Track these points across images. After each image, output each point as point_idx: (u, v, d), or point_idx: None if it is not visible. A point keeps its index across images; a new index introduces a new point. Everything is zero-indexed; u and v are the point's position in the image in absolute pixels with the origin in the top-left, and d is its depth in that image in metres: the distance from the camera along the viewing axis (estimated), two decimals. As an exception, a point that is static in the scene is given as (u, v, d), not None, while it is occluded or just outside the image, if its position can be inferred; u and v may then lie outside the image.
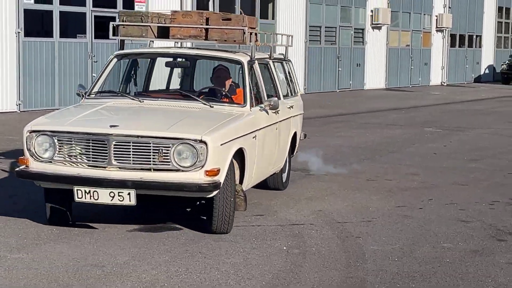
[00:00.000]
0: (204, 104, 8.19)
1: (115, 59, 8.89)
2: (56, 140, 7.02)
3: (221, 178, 6.97)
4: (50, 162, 7.04)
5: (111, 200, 6.87)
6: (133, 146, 6.93)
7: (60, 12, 20.17)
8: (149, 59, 9.87)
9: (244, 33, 8.44)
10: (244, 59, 8.65)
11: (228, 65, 9.41)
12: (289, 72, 10.40)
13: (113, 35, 8.95)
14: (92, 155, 7.00)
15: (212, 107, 8.16)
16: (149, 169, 6.96)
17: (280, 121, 9.22)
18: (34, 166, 7.03)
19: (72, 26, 20.80)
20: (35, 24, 19.92)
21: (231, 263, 6.59)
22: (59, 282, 5.97)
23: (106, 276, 6.14)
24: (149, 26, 8.70)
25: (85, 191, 6.83)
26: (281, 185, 9.86)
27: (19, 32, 19.19)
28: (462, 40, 39.91)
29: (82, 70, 20.57)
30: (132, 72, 9.37)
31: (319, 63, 29.49)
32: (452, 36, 38.96)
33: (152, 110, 8.20)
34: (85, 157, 7.06)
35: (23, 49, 19.31)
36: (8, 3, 18.92)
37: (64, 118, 7.78)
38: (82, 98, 8.46)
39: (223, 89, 8.95)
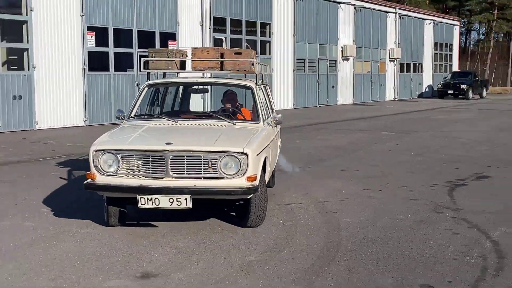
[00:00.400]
0: (228, 122, 7.52)
1: (147, 88, 8.11)
2: (119, 157, 6.30)
3: (257, 182, 6.38)
4: (115, 175, 6.30)
5: (171, 205, 6.20)
6: (186, 159, 6.26)
7: (114, 52, 20.32)
8: (163, 88, 8.98)
9: (253, 64, 8.02)
10: (253, 85, 8.17)
11: (237, 89, 8.98)
12: (268, 95, 9.62)
13: (144, 68, 8.13)
14: (152, 168, 6.29)
15: (235, 124, 7.49)
16: (200, 178, 6.28)
17: (277, 133, 8.99)
18: (101, 179, 6.31)
19: (123, 62, 20.90)
20: (96, 61, 20.04)
21: (242, 233, 6.66)
22: (116, 249, 6.08)
23: (151, 244, 6.24)
24: (174, 60, 8.01)
25: (148, 199, 6.17)
26: (271, 183, 9.08)
27: (84, 68, 19.36)
28: (408, 67, 39.89)
29: (131, 95, 20.63)
30: (155, 98, 8.69)
31: (304, 86, 29.54)
32: (401, 64, 38.92)
33: (191, 129, 7.41)
34: (145, 170, 6.32)
35: (88, 80, 19.47)
36: (76, 46, 19.12)
37: (122, 137, 6.90)
38: (122, 120, 7.71)
39: (236, 109, 8.36)
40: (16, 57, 18.50)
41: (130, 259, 5.79)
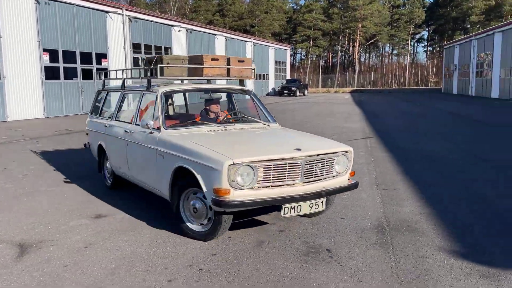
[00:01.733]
0: (264, 124, 5.41)
1: (164, 95, 5.13)
2: (256, 168, 3.96)
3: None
4: (251, 188, 3.97)
5: (310, 209, 4.19)
6: (315, 163, 4.24)
7: (64, 67, 18.98)
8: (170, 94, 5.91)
9: (253, 70, 5.86)
10: (251, 90, 6.06)
11: (237, 93, 6.05)
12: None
13: (161, 75, 5.16)
14: (288, 175, 4.10)
15: (269, 126, 5.40)
16: (321, 179, 4.31)
17: None
18: (236, 195, 3.92)
19: (71, 73, 19.68)
20: (51, 73, 18.70)
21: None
22: (76, 199, 5.66)
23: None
24: (187, 67, 5.50)
25: (291, 207, 4.07)
26: None
27: (42, 78, 18.02)
28: (261, 76, 40.31)
29: (75, 96, 19.55)
30: (170, 102, 6.33)
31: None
32: (257, 75, 39.42)
33: (258, 134, 5.05)
34: (278, 178, 4.07)
35: (45, 86, 18.15)
36: (35, 63, 17.76)
37: (245, 149, 4.30)
38: (149, 129, 4.88)
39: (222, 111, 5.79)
40: (-10, 70, 16.96)
41: (87, 206, 5.47)
